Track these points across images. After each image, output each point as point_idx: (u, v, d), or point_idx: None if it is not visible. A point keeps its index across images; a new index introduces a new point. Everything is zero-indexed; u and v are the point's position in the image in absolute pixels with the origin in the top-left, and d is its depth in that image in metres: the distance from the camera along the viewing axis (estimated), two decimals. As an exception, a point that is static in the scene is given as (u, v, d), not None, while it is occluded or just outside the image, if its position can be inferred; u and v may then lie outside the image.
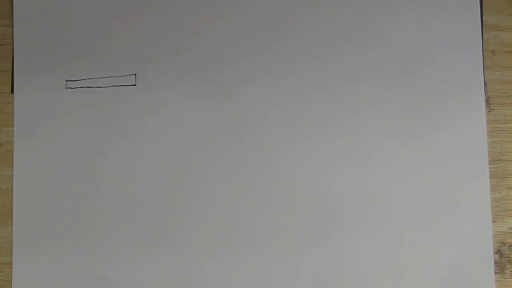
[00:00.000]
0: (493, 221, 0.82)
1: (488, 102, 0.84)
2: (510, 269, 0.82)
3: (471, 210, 0.82)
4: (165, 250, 0.82)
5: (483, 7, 0.84)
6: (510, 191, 0.83)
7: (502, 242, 0.82)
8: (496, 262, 0.82)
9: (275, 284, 0.82)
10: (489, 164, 0.82)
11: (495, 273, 0.81)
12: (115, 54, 0.85)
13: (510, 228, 0.82)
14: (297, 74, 0.84)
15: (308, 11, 0.84)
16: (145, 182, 0.83)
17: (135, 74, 0.84)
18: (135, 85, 0.84)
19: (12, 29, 0.85)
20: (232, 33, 0.84)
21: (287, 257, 0.82)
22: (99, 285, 0.82)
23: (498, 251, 0.82)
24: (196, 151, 0.83)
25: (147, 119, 0.84)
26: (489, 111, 0.84)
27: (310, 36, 0.84)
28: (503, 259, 0.82)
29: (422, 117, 0.83)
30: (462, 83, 0.83)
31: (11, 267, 0.83)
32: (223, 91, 0.84)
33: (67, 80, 0.85)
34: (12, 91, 0.85)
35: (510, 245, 0.82)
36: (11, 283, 0.82)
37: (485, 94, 0.83)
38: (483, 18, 0.84)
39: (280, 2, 0.85)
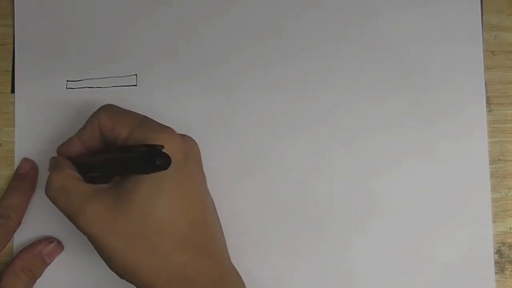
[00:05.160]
0: (493, 221, 0.82)
1: (488, 102, 0.84)
2: (510, 269, 0.82)
3: (471, 210, 0.82)
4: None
5: (483, 7, 0.84)
6: (510, 191, 0.83)
7: (502, 242, 0.82)
8: (496, 262, 0.82)
9: (275, 284, 0.81)
10: (489, 164, 0.83)
11: (495, 273, 0.81)
12: (116, 54, 0.85)
13: (510, 228, 0.83)
14: (298, 75, 0.84)
15: (307, 10, 0.85)
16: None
17: (136, 75, 0.84)
18: (136, 85, 0.84)
19: (13, 29, 0.85)
20: (234, 34, 0.84)
21: (287, 257, 0.82)
22: (100, 285, 0.82)
23: (498, 251, 0.82)
24: (196, 151, 0.83)
25: (148, 119, 0.84)
26: (489, 111, 0.84)
27: (309, 35, 0.84)
28: (503, 259, 0.82)
29: (421, 117, 0.83)
30: (462, 83, 0.83)
31: (12, 267, 0.82)
32: (224, 92, 0.84)
33: (68, 81, 0.85)
34: (12, 91, 0.85)
35: (510, 245, 0.82)
36: (11, 283, 0.82)
37: (485, 94, 0.84)
38: (483, 18, 0.84)
39: (281, 2, 0.85)
